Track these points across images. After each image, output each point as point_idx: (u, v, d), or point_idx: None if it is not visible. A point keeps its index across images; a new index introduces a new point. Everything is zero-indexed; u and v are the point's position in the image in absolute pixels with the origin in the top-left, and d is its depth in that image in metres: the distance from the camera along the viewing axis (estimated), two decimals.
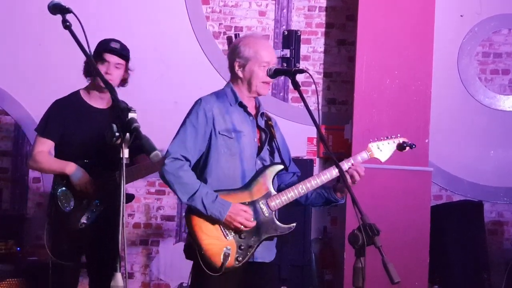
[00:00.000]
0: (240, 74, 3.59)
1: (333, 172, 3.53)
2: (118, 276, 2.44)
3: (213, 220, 3.43)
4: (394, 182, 5.95)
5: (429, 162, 6.13)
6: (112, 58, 4.23)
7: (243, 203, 3.48)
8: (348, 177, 3.49)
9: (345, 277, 5.91)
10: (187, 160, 3.47)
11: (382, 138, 3.69)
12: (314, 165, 6.35)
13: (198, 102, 3.58)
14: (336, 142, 6.53)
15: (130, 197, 4.44)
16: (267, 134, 3.66)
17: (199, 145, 3.50)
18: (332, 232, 6.52)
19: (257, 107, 3.69)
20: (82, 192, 4.17)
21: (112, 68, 4.22)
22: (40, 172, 5.93)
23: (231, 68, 3.64)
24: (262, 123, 3.67)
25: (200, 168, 3.55)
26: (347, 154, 6.11)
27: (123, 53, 4.28)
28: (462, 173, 6.62)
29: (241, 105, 3.60)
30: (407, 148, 3.67)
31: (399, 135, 3.73)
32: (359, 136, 6.04)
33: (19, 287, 5.38)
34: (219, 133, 3.51)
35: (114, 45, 4.26)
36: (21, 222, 6.23)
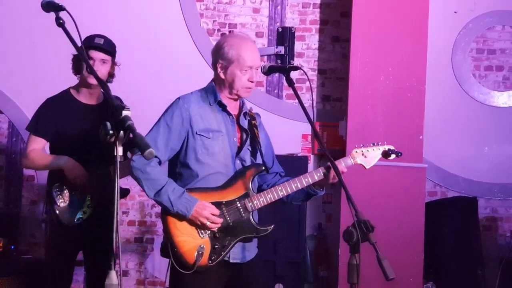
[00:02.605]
0: (222, 75, 3.56)
1: (314, 176, 3.53)
2: (113, 273, 2.44)
3: (188, 218, 3.42)
4: (389, 179, 5.96)
5: (424, 159, 6.14)
6: (97, 55, 4.23)
7: (220, 202, 3.47)
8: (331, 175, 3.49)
9: (340, 274, 5.91)
10: (156, 157, 3.45)
11: (368, 144, 3.66)
12: (309, 162, 6.35)
13: (176, 101, 3.56)
14: (330, 139, 6.53)
15: (125, 192, 4.45)
16: (248, 134, 3.63)
17: (171, 144, 3.49)
18: (327, 229, 6.53)
19: (240, 107, 3.67)
20: (77, 186, 4.17)
21: (97, 65, 4.21)
22: (35, 170, 5.92)
23: (214, 67, 3.61)
24: (244, 123, 3.65)
25: (181, 168, 3.55)
26: (342, 150, 6.11)
27: (108, 48, 4.27)
28: (456, 170, 6.64)
29: (221, 105, 3.57)
30: (393, 155, 3.64)
31: (385, 142, 3.69)
32: (354, 133, 6.05)
33: (13, 286, 5.37)
34: (197, 133, 3.49)
35: (98, 40, 4.25)
36: (15, 220, 6.21)
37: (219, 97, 3.57)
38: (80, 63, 4.22)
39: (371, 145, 3.66)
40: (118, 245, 2.43)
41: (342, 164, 3.56)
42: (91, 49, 4.20)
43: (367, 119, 6.09)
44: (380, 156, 3.66)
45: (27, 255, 6.09)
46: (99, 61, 4.23)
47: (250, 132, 3.64)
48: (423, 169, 6.09)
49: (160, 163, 3.49)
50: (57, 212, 4.16)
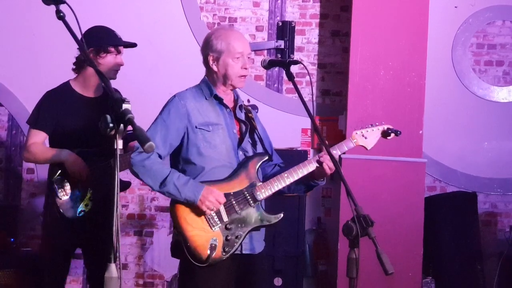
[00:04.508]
0: (214, 68, 3.57)
1: (319, 161, 3.52)
2: (112, 267, 2.44)
3: (197, 211, 3.42)
4: (388, 173, 5.96)
5: (423, 153, 6.14)
6: (122, 49, 4.31)
7: (229, 194, 3.48)
8: (326, 168, 3.48)
9: (339, 268, 5.92)
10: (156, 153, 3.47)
11: (366, 125, 3.68)
12: (309, 156, 6.35)
13: (171, 99, 3.58)
14: (330, 133, 6.54)
15: (126, 185, 4.46)
16: (247, 126, 3.65)
17: (169, 140, 3.50)
18: (326, 223, 6.53)
19: (235, 100, 3.68)
20: (78, 179, 4.17)
21: (119, 57, 4.30)
22: (35, 164, 5.92)
23: (206, 62, 3.62)
24: (241, 115, 3.66)
25: (184, 164, 3.56)
26: None
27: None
28: (456, 164, 6.63)
29: (217, 98, 3.58)
30: (392, 134, 3.64)
31: (383, 122, 3.71)
32: (353, 127, 6.00)
33: (12, 278, 5.38)
34: (196, 127, 3.50)
35: (119, 35, 4.33)
36: (14, 213, 6.22)
37: (214, 91, 3.58)
38: (90, 55, 4.21)
39: (370, 125, 3.67)
40: (117, 238, 2.43)
41: (344, 147, 3.59)
42: (120, 45, 4.30)
43: (366, 113, 6.08)
44: (380, 136, 3.67)
45: (26, 248, 6.10)
46: (120, 55, 4.31)
47: (248, 123, 3.65)
48: (423, 164, 6.09)
49: (160, 157, 3.49)
50: (59, 205, 4.17)
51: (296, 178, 3.53)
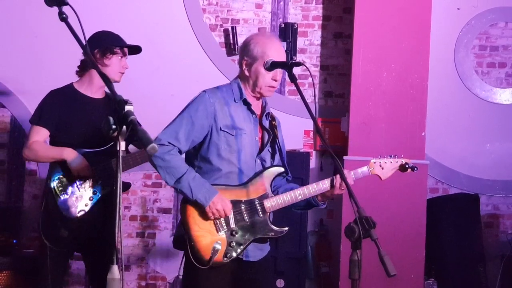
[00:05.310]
0: (246, 72, 3.57)
1: (333, 181, 3.52)
2: (115, 268, 2.44)
3: (207, 214, 3.43)
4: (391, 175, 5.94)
5: (426, 155, 6.14)
6: (127, 53, 4.36)
7: (240, 201, 3.49)
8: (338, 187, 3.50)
9: (341, 270, 5.92)
10: (175, 146, 3.47)
11: (385, 156, 3.70)
12: (311, 158, 6.36)
13: (201, 95, 3.56)
14: (332, 135, 6.53)
15: (127, 186, 4.46)
16: (270, 135, 3.64)
17: (193, 137, 3.49)
18: (329, 225, 6.53)
19: (263, 107, 3.68)
20: (80, 178, 4.17)
21: (124, 60, 4.34)
22: (36, 162, 5.91)
23: (240, 64, 3.62)
24: (266, 123, 3.66)
25: (200, 161, 3.56)
26: (344, 146, 6.11)
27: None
28: (458, 166, 6.63)
29: (246, 103, 3.58)
30: (409, 170, 3.70)
31: (402, 155, 3.74)
32: (356, 129, 6.05)
33: (15, 279, 5.39)
34: (221, 129, 3.50)
35: (122, 38, 4.36)
36: (17, 215, 6.23)
37: (244, 94, 3.58)
38: (95, 57, 4.23)
39: (389, 157, 3.70)
40: (120, 239, 2.43)
41: (359, 172, 3.62)
42: (125, 47, 4.34)
43: (369, 115, 6.08)
44: (397, 169, 3.71)
45: (29, 249, 6.11)
46: (125, 57, 4.34)
47: (271, 132, 3.65)
48: (425, 166, 6.08)
49: (180, 152, 3.50)
50: (59, 204, 4.16)
51: (307, 196, 3.54)
